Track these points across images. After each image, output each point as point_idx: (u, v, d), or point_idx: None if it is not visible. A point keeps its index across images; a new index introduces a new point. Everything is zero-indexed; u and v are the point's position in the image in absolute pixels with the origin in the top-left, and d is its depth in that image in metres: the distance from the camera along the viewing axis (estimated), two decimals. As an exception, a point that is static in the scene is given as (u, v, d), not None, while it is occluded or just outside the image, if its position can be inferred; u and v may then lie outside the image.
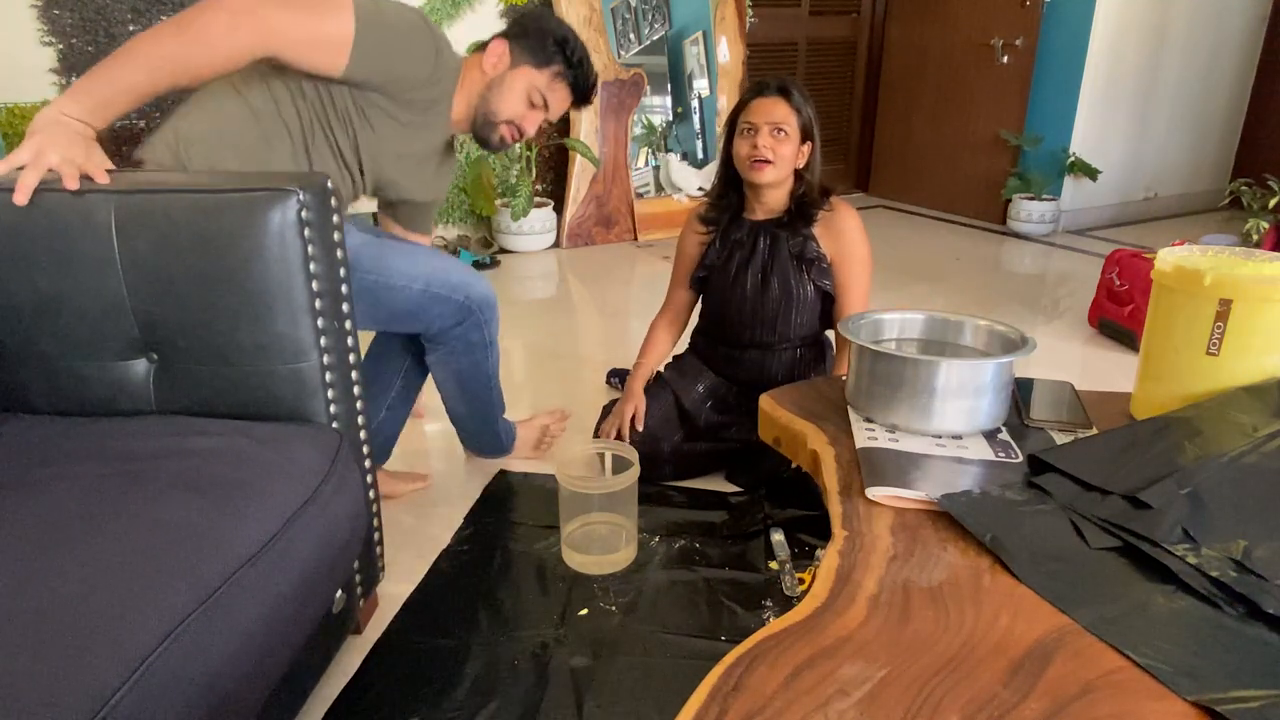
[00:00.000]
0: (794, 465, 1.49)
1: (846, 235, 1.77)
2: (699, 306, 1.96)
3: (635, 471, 1.50)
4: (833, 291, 1.78)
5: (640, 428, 1.79)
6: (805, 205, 1.76)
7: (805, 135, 1.70)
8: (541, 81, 1.43)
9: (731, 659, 0.55)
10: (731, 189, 1.81)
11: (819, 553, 1.59)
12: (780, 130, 1.67)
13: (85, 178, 1.00)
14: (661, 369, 2.03)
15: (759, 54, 4.49)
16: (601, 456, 1.70)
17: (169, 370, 1.08)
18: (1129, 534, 0.69)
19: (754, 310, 1.81)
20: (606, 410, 2.00)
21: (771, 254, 1.78)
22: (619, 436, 1.79)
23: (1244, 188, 3.66)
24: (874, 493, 0.76)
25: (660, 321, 1.97)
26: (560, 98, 1.46)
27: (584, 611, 1.40)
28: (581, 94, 1.49)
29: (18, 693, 0.63)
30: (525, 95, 1.42)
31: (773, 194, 1.76)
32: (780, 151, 1.67)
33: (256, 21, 1.12)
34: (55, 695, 0.64)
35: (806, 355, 1.85)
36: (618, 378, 2.32)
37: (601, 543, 1.56)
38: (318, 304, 1.05)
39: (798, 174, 1.74)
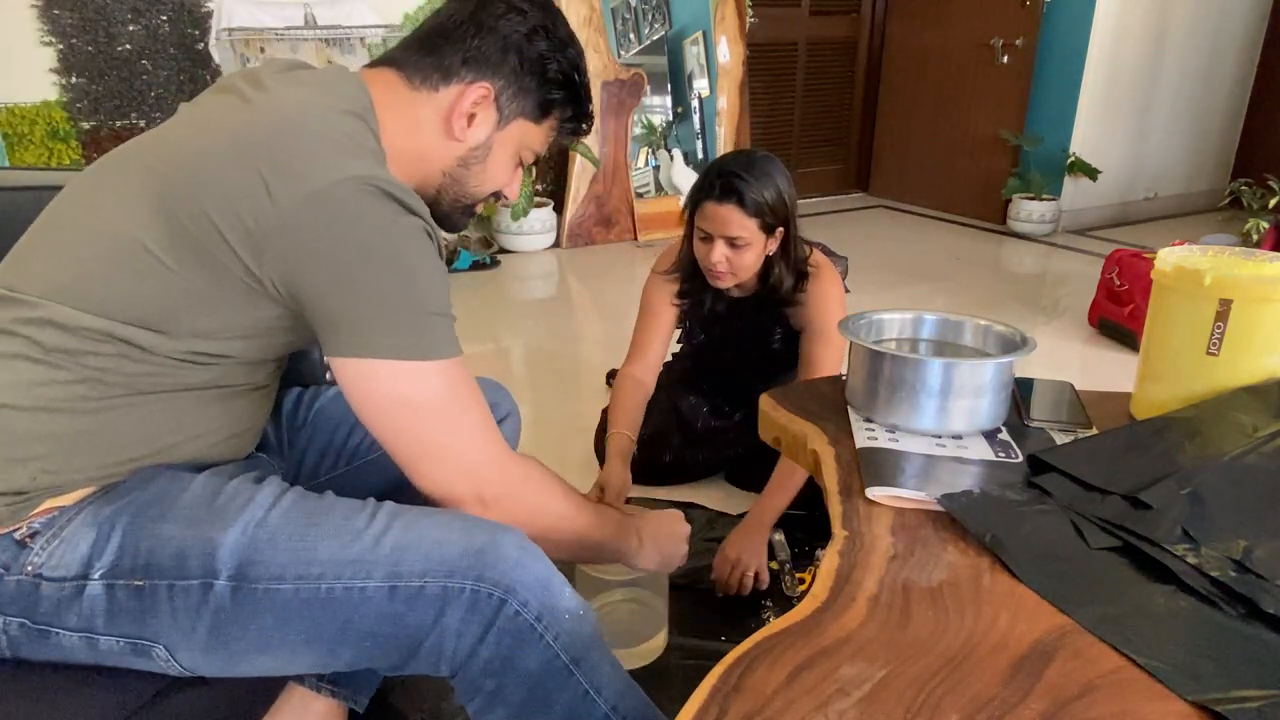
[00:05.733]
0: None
1: (815, 313, 1.58)
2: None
3: None
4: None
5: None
6: (776, 297, 1.59)
7: (771, 229, 1.49)
8: (538, 137, 0.95)
9: (731, 659, 0.55)
10: (699, 268, 1.59)
11: (819, 553, 1.59)
12: (736, 242, 1.47)
13: None
14: (673, 354, 2.03)
15: (759, 54, 4.49)
16: None
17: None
18: (1129, 534, 0.69)
19: (735, 375, 1.81)
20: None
21: (750, 333, 1.70)
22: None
23: (1244, 188, 3.67)
24: (874, 493, 0.76)
25: (629, 378, 1.65)
26: (551, 139, 0.98)
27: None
28: (586, 132, 1.03)
29: None
30: (515, 158, 0.95)
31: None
32: (738, 262, 1.49)
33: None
34: None
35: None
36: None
37: (626, 628, 1.32)
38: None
39: (769, 259, 1.55)
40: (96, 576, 0.73)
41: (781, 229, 1.51)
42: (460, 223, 0.99)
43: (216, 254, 0.73)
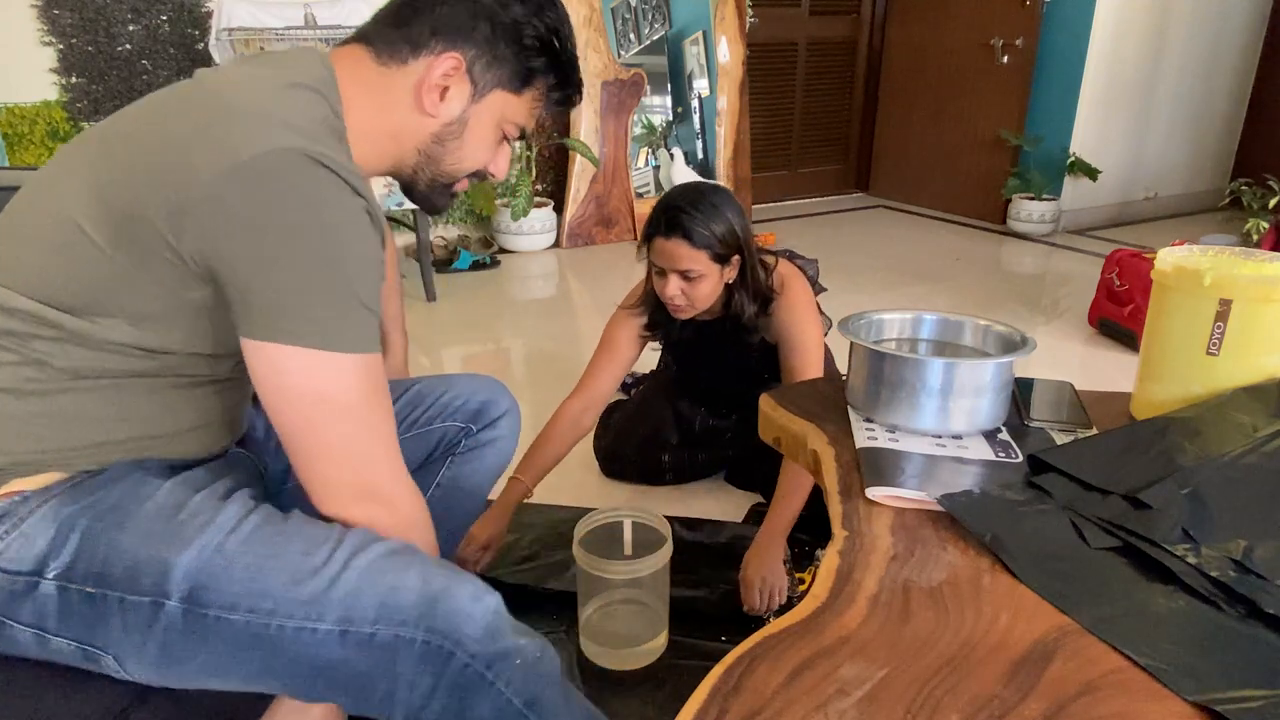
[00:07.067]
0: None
1: (787, 329, 1.58)
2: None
3: (667, 551, 1.29)
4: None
5: (478, 561, 1.42)
6: (740, 326, 1.58)
7: (724, 258, 1.48)
8: (521, 109, 0.89)
9: (731, 659, 0.55)
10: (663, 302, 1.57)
11: (819, 553, 1.59)
12: (688, 274, 1.47)
13: None
14: (658, 366, 2.03)
15: (759, 54, 4.49)
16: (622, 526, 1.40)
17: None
18: (1129, 534, 0.69)
19: (717, 389, 1.81)
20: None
21: (721, 355, 1.70)
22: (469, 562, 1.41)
23: (1244, 188, 3.67)
24: (874, 493, 0.76)
25: (570, 412, 1.59)
26: (538, 113, 0.92)
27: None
28: (574, 104, 0.96)
29: None
30: (496, 133, 0.89)
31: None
32: (694, 293, 1.49)
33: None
34: None
35: None
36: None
37: (626, 628, 1.36)
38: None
39: (729, 286, 1.54)
40: (50, 576, 0.72)
41: (737, 257, 1.50)
42: (441, 203, 0.93)
43: (142, 232, 0.70)
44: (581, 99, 0.95)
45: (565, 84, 0.90)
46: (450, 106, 0.85)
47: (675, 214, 1.44)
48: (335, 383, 0.73)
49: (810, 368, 1.56)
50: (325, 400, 0.73)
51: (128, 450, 0.79)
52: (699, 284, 1.48)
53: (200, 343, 0.78)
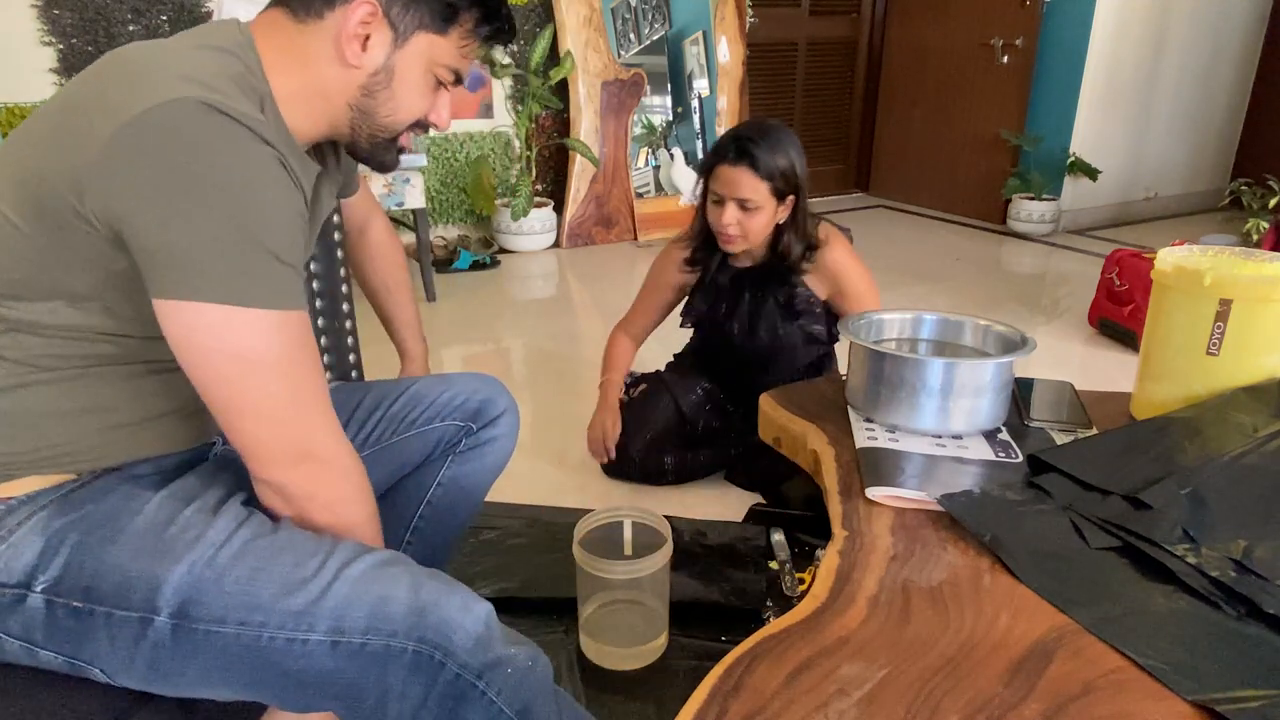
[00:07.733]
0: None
1: (841, 275, 1.65)
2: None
3: (667, 551, 1.28)
4: (822, 337, 1.73)
5: (612, 448, 1.78)
6: (785, 266, 1.64)
7: (782, 195, 1.55)
8: (449, 51, 0.85)
9: (731, 659, 0.55)
10: (712, 237, 1.67)
11: (819, 553, 1.59)
12: (747, 204, 1.54)
13: None
14: (661, 368, 2.03)
15: (759, 54, 4.49)
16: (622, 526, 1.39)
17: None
18: (1129, 534, 0.69)
19: (742, 354, 1.81)
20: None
21: (757, 304, 1.72)
22: (605, 451, 1.75)
23: (1244, 188, 3.67)
24: (874, 493, 0.76)
25: (621, 335, 1.89)
26: (474, 53, 0.88)
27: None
28: (506, 39, 0.90)
29: None
30: (428, 79, 0.86)
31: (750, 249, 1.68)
32: (749, 225, 1.56)
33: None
34: None
35: (807, 374, 1.83)
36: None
37: (626, 628, 1.36)
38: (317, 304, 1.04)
39: (779, 228, 1.61)
40: (38, 590, 0.71)
41: (792, 197, 1.56)
42: (388, 160, 0.90)
43: (53, 204, 0.69)
44: (514, 33, 0.92)
45: (491, 17, 0.86)
46: (373, 55, 0.82)
47: (744, 143, 1.52)
48: (251, 340, 0.70)
49: (870, 305, 1.61)
50: (242, 358, 0.70)
51: (100, 448, 0.78)
52: (755, 215, 1.54)
53: (141, 323, 0.74)
